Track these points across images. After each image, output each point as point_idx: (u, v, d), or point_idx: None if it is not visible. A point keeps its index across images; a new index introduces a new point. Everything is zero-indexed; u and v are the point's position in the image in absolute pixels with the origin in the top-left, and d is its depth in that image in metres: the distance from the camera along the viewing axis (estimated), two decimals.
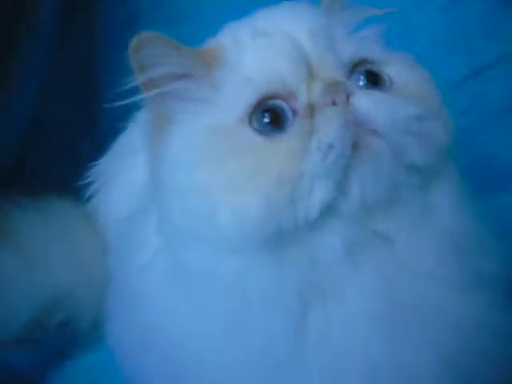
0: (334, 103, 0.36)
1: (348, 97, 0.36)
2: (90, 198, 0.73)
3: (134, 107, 1.14)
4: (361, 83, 0.39)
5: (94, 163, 0.73)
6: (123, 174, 0.66)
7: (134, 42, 0.38)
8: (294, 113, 0.37)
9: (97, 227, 0.68)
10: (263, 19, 0.41)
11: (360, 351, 0.36)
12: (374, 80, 0.39)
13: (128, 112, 1.08)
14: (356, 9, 0.43)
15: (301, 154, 0.35)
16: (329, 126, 0.34)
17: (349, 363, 0.36)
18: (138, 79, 0.39)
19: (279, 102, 0.37)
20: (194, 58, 0.39)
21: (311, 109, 0.36)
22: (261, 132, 0.36)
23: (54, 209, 0.67)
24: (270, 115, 0.36)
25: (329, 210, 0.35)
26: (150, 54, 0.38)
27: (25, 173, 0.89)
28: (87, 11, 1.14)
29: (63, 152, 1.02)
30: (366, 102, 0.36)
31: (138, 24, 1.13)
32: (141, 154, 0.62)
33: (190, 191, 0.37)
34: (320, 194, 0.34)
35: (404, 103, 0.37)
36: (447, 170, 0.41)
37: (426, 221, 0.38)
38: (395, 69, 0.40)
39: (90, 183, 0.74)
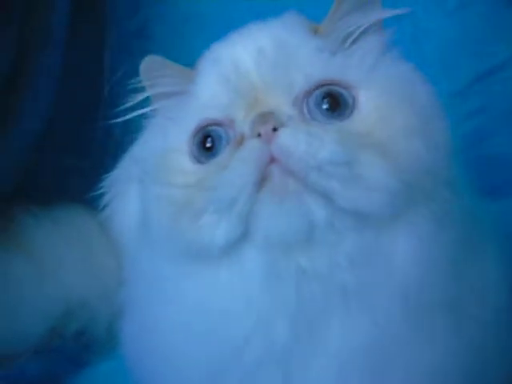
0: (259, 135, 0.35)
1: (277, 129, 0.35)
2: (103, 207, 0.75)
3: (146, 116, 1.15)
4: (323, 106, 0.37)
5: (108, 173, 0.75)
6: (136, 184, 0.67)
7: (141, 65, 0.44)
8: (228, 141, 0.37)
9: (111, 236, 0.69)
10: (228, 38, 0.42)
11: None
12: (336, 104, 0.37)
13: (140, 120, 1.11)
14: (367, 11, 0.39)
15: (211, 183, 0.35)
16: (238, 161, 0.34)
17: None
18: (148, 93, 0.45)
19: (219, 129, 0.38)
20: (187, 77, 0.43)
21: (242, 139, 0.37)
22: (195, 157, 0.39)
23: (68, 218, 0.68)
24: (209, 141, 0.38)
25: (241, 239, 0.35)
26: (151, 75, 0.44)
27: (36, 182, 0.90)
28: (97, 19, 1.15)
29: (75, 160, 1.03)
30: (288, 138, 0.34)
31: (146, 33, 1.15)
32: None
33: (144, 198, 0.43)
34: (222, 227, 0.35)
35: (334, 142, 0.34)
36: (410, 212, 0.35)
37: (368, 262, 0.35)
38: (371, 93, 0.37)
39: (103, 193, 0.76)
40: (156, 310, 0.41)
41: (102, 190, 0.75)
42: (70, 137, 1.03)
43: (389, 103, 0.37)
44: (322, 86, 0.37)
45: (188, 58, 1.09)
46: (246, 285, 0.35)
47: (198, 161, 0.38)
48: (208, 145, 0.38)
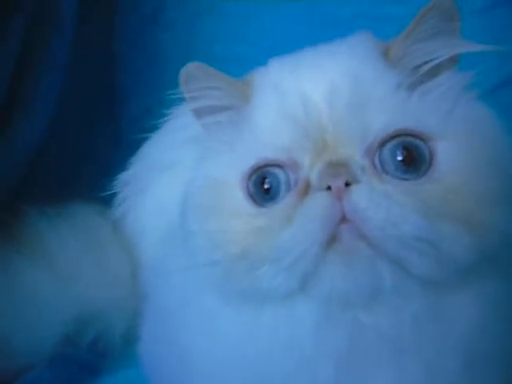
0: (329, 188, 0.32)
1: (350, 184, 0.32)
2: (116, 206, 0.73)
3: (156, 109, 1.14)
4: (398, 158, 0.33)
5: (121, 173, 0.74)
6: (152, 187, 0.66)
7: (182, 73, 0.39)
8: (291, 185, 0.34)
9: (123, 236, 0.67)
10: (294, 64, 0.38)
11: None
12: (411, 158, 0.32)
13: (149, 113, 1.08)
14: (441, 42, 0.35)
15: (273, 234, 0.33)
16: (307, 216, 0.32)
17: None
18: (190, 107, 0.40)
19: (278, 171, 0.34)
20: (234, 89, 0.39)
21: (307, 186, 0.33)
22: (252, 198, 0.35)
23: (80, 218, 0.66)
24: (267, 183, 0.34)
25: (295, 292, 0.33)
26: (194, 86, 0.39)
27: (43, 179, 0.88)
28: (107, 5, 1.12)
29: (83, 156, 1.02)
30: (364, 197, 0.31)
31: (161, 18, 1.11)
32: (171, 171, 0.63)
33: (188, 229, 0.37)
34: (281, 279, 0.33)
35: (416, 213, 0.31)
36: (476, 279, 0.33)
37: (431, 322, 0.33)
38: (449, 145, 0.33)
39: (116, 192, 0.74)
40: (188, 336, 0.40)
41: (114, 190, 0.75)
42: (77, 129, 1.01)
43: (470, 160, 0.33)
44: (399, 135, 0.33)
45: (201, 46, 1.07)
46: (292, 330, 0.34)
47: (255, 201, 0.35)
48: (266, 186, 0.34)
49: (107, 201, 0.73)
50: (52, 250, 0.59)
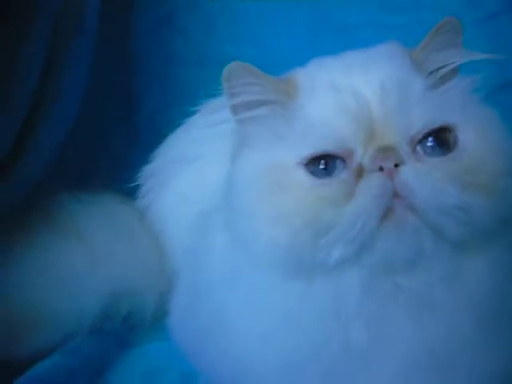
0: (381, 169, 0.38)
1: (398, 165, 0.38)
2: (140, 197, 0.79)
3: (170, 107, 1.18)
4: (430, 144, 0.40)
5: (140, 167, 0.79)
6: (176, 179, 0.71)
7: (225, 71, 0.43)
8: (344, 166, 0.39)
9: (149, 224, 0.72)
10: (340, 65, 0.43)
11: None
12: (443, 145, 0.40)
13: (164, 111, 1.14)
14: (453, 52, 0.42)
15: (337, 208, 0.38)
16: (366, 192, 0.37)
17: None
18: (229, 103, 0.44)
19: (334, 159, 0.39)
20: (275, 86, 0.43)
21: (361, 168, 0.39)
22: (312, 173, 0.40)
23: (110, 205, 0.71)
24: (323, 164, 0.40)
25: (350, 259, 0.38)
26: (237, 82, 0.42)
27: (68, 167, 0.93)
28: (124, 6, 1.17)
29: (99, 152, 1.06)
30: (412, 175, 0.37)
31: (174, 22, 1.17)
32: (195, 164, 0.68)
33: (243, 213, 0.42)
34: (341, 247, 0.38)
35: (452, 184, 0.37)
36: (491, 243, 0.40)
37: (451, 282, 0.39)
38: (467, 132, 0.40)
39: (137, 184, 0.79)
40: (234, 310, 0.45)
41: (136, 182, 0.80)
42: (94, 126, 1.06)
43: (483, 144, 0.40)
44: (432, 130, 0.39)
45: (214, 48, 1.12)
46: (339, 299, 0.39)
47: (315, 175, 0.39)
48: (321, 167, 0.39)
49: (127, 193, 0.79)
50: (87, 232, 0.64)
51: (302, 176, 0.40)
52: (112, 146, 1.11)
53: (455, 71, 0.44)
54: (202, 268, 0.51)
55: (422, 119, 0.39)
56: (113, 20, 1.10)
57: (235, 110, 0.44)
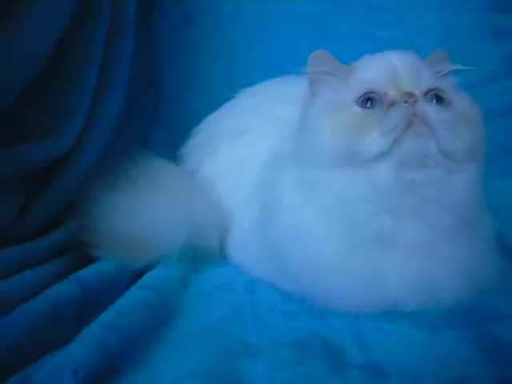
0: (406, 102, 0.58)
1: (416, 101, 0.59)
2: (187, 164, 0.98)
3: (186, 95, 1.36)
4: (433, 98, 0.61)
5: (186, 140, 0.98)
6: (227, 149, 0.91)
7: (311, 56, 0.65)
8: (382, 102, 0.62)
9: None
10: (384, 56, 0.65)
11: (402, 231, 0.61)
12: (440, 99, 0.62)
13: (181, 98, 1.31)
14: (448, 64, 0.66)
15: (378, 120, 0.59)
16: (397, 111, 0.58)
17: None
18: (309, 76, 0.66)
19: (375, 95, 0.62)
20: (342, 67, 0.65)
21: (392, 103, 0.60)
22: (361, 106, 0.62)
23: (166, 165, 0.90)
24: (369, 99, 0.62)
25: (383, 156, 0.58)
26: (317, 61, 0.65)
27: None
28: (147, 5, 1.33)
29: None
30: (424, 106, 0.59)
31: (193, 22, 1.36)
32: (246, 136, 0.89)
33: (318, 130, 0.62)
34: (380, 142, 0.58)
35: (447, 113, 0.60)
36: (469, 166, 0.61)
37: (443, 186, 0.60)
38: (457, 100, 0.63)
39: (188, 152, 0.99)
40: (307, 220, 0.65)
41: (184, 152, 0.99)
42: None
43: (469, 105, 0.64)
44: (434, 89, 0.62)
45: (226, 47, 1.32)
46: (374, 187, 0.59)
47: (362, 107, 0.61)
48: (368, 104, 0.61)
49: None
50: (163, 181, 0.83)
51: (355, 107, 0.61)
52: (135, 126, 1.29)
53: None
54: (276, 198, 0.71)
55: (427, 82, 0.63)
56: (140, 17, 1.26)
57: (312, 77, 0.66)
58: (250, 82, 0.99)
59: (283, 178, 0.70)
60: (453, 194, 0.61)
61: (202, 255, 0.82)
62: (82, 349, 0.48)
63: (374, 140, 0.59)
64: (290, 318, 0.65)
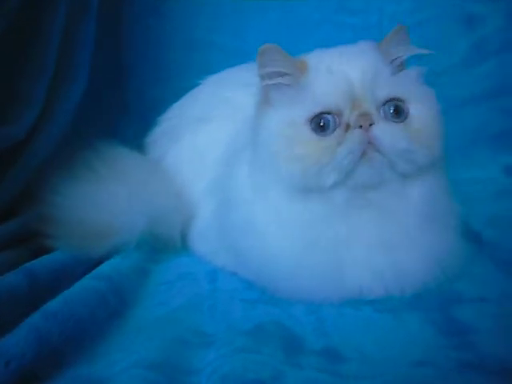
0: (360, 126, 0.57)
1: (371, 124, 0.57)
2: (152, 152, 0.95)
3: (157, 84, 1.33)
4: (391, 111, 0.59)
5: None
6: (190, 136, 0.87)
7: (260, 49, 0.61)
8: (336, 124, 0.59)
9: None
10: (335, 56, 0.62)
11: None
12: (398, 111, 0.59)
13: (150, 87, 1.29)
14: (407, 47, 0.62)
15: (332, 152, 0.57)
16: (351, 141, 0.57)
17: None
18: (259, 73, 0.62)
19: (329, 116, 0.59)
20: (293, 64, 0.62)
21: (348, 126, 0.59)
22: (314, 130, 0.60)
23: (128, 153, 0.87)
24: (322, 122, 0.59)
25: (339, 183, 0.58)
26: (267, 58, 0.61)
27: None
28: None
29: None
30: (379, 131, 0.57)
31: (164, 10, 1.32)
32: (209, 123, 0.85)
33: (269, 154, 0.61)
34: (334, 175, 0.57)
35: (404, 139, 0.57)
36: (425, 175, 0.61)
37: (400, 198, 0.61)
38: (414, 106, 0.60)
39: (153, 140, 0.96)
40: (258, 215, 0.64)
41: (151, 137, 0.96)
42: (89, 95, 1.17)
43: (426, 113, 0.60)
44: (392, 100, 0.59)
45: (200, 36, 1.29)
46: (329, 209, 0.60)
47: (316, 133, 0.58)
48: (321, 124, 0.58)
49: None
50: (124, 170, 0.80)
51: (309, 133, 0.59)
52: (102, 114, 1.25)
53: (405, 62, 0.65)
54: (231, 191, 0.69)
55: (384, 93, 0.60)
56: (105, 3, 1.22)
57: (263, 77, 0.63)
58: (217, 69, 0.96)
59: (238, 172, 0.68)
60: (410, 202, 0.61)
61: (164, 245, 0.79)
62: (17, 339, 0.46)
63: (329, 173, 0.58)
64: (250, 306, 0.63)
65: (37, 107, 0.88)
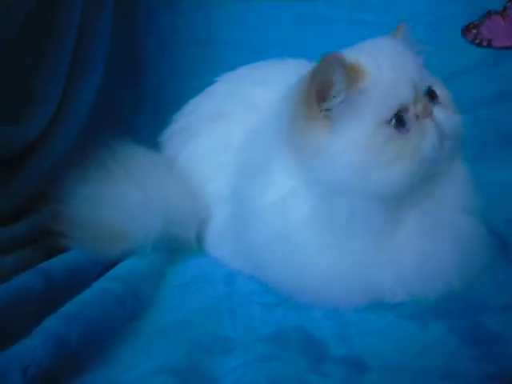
0: (427, 115, 0.58)
1: (431, 111, 0.59)
2: (166, 150, 0.94)
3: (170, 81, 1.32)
4: (432, 95, 0.60)
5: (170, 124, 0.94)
6: (204, 136, 0.85)
7: (323, 63, 0.57)
8: (410, 118, 0.59)
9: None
10: (383, 52, 0.61)
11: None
12: (434, 95, 0.61)
13: (164, 84, 1.28)
14: (411, 42, 0.64)
15: (417, 145, 0.57)
16: (431, 131, 0.58)
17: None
18: (311, 88, 0.59)
19: (404, 111, 0.58)
20: (349, 75, 0.58)
21: (417, 116, 0.58)
22: (396, 128, 0.58)
23: (143, 152, 0.86)
24: (402, 118, 0.58)
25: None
26: (330, 72, 0.57)
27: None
28: None
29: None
30: (442, 117, 0.59)
31: (177, 8, 1.31)
32: (225, 121, 0.84)
33: (356, 166, 0.57)
34: (414, 170, 0.57)
35: (453, 115, 0.61)
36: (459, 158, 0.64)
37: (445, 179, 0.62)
38: (437, 88, 0.62)
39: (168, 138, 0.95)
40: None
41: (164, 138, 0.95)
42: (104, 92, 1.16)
43: (446, 92, 0.63)
44: (430, 86, 0.61)
45: (213, 33, 1.28)
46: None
47: (399, 130, 0.57)
48: (402, 121, 0.57)
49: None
50: (139, 170, 0.79)
51: (391, 131, 0.57)
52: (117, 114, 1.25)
53: None
54: (257, 204, 0.65)
55: (426, 80, 0.61)
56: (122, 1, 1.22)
57: (319, 98, 0.58)
58: (232, 68, 0.94)
59: (269, 188, 0.65)
60: (454, 184, 0.63)
61: (180, 246, 0.78)
62: (35, 343, 0.44)
63: (407, 168, 0.57)
64: (269, 310, 0.62)
65: (51, 106, 0.86)
